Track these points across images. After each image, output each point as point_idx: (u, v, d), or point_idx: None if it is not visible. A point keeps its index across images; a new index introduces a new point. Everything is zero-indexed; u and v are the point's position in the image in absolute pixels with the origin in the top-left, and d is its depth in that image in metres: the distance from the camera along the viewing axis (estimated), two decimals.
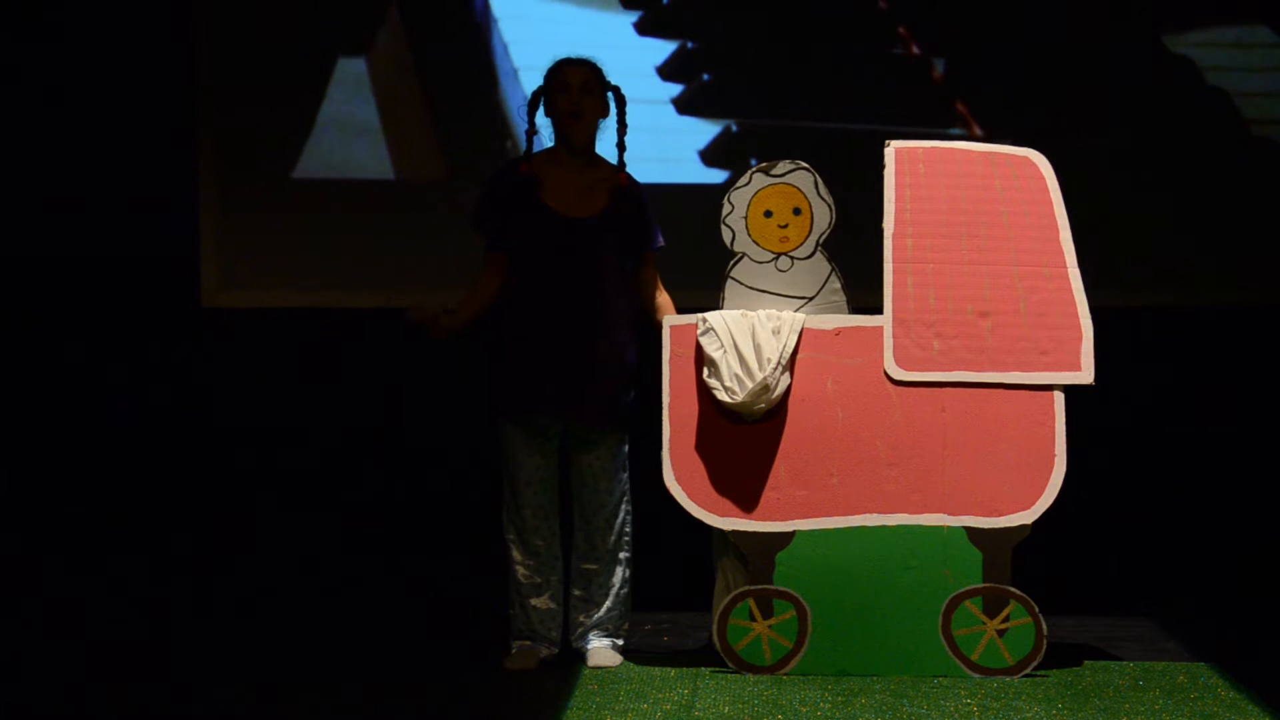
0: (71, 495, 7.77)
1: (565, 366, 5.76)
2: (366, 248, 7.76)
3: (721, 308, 5.83)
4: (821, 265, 5.84)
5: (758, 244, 5.84)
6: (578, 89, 5.76)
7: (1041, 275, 5.76)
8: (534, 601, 5.83)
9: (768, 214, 5.84)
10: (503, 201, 5.80)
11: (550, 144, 5.85)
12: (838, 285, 5.84)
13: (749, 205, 5.84)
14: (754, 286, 5.83)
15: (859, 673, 5.70)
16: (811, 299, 5.83)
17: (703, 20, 7.79)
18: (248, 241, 7.77)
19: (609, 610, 5.87)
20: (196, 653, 6.17)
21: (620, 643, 5.90)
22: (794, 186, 5.83)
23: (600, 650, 5.84)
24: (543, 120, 5.81)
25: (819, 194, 5.83)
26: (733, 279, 5.84)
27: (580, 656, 5.86)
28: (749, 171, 5.86)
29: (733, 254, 5.85)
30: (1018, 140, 5.94)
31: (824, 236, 5.83)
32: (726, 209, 5.84)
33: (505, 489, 5.84)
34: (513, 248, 5.79)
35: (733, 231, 5.84)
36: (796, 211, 5.84)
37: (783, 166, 5.85)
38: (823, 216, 5.83)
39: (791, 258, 5.84)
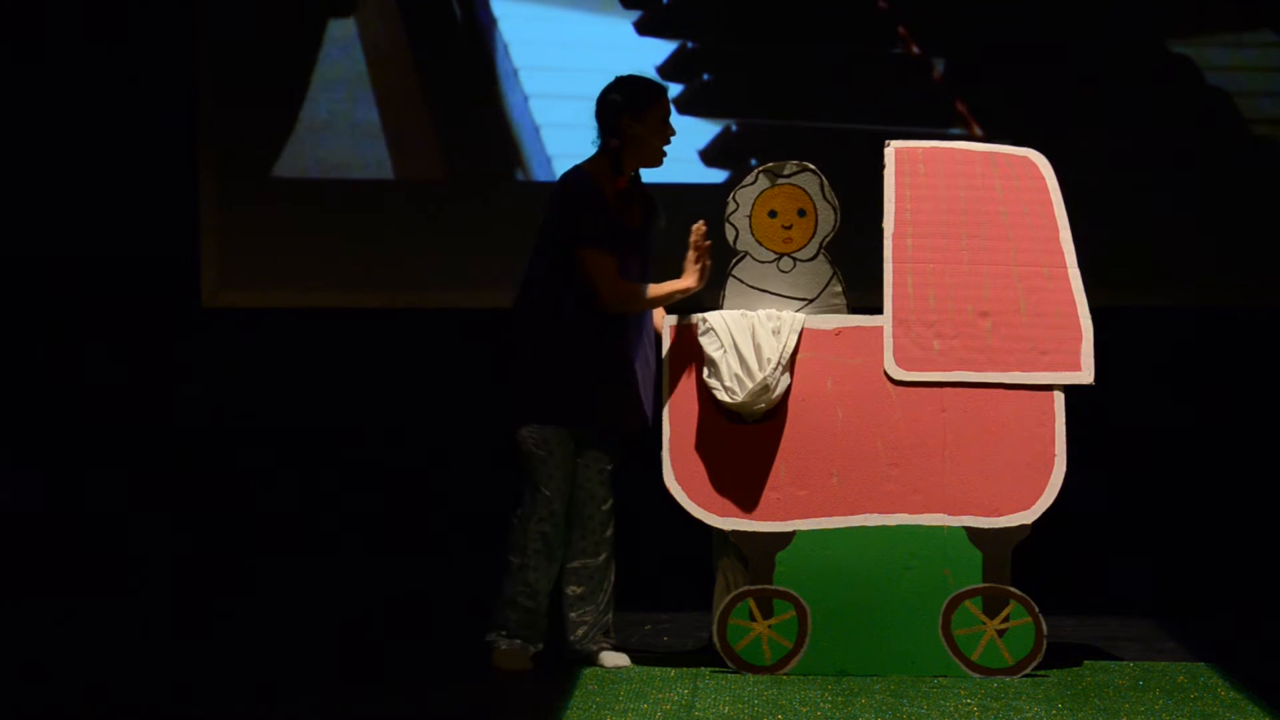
0: (71, 495, 7.76)
1: (629, 373, 5.75)
2: (366, 248, 7.76)
3: (721, 306, 5.83)
4: (824, 268, 5.84)
5: (761, 244, 5.84)
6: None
7: (1041, 275, 5.76)
8: (541, 605, 5.82)
9: (772, 214, 5.84)
10: (603, 211, 5.76)
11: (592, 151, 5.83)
12: (839, 289, 5.83)
13: (753, 205, 5.84)
14: (755, 286, 5.83)
15: (859, 673, 5.70)
16: (812, 301, 5.83)
17: (703, 20, 7.78)
18: (248, 241, 7.77)
19: (606, 607, 5.87)
20: (196, 653, 6.17)
21: (614, 641, 5.90)
22: (800, 188, 5.83)
23: (613, 655, 5.85)
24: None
25: (824, 196, 5.83)
26: (734, 277, 5.84)
27: (582, 656, 5.85)
28: (755, 171, 5.86)
29: (735, 252, 5.85)
30: (1018, 140, 5.94)
31: (828, 239, 5.83)
32: (731, 207, 5.84)
33: (534, 498, 5.76)
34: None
35: (736, 230, 5.84)
36: (801, 213, 5.84)
37: (789, 167, 5.85)
38: (827, 219, 5.83)
39: (794, 259, 5.84)
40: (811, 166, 5.83)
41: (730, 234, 5.84)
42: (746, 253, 5.84)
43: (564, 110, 7.71)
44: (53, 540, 7.71)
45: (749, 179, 5.85)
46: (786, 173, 5.85)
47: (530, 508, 5.78)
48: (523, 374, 5.78)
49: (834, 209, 5.82)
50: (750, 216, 5.84)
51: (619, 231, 5.76)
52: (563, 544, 5.82)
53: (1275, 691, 5.43)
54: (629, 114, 5.73)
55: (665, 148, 5.79)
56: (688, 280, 5.75)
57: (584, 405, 5.75)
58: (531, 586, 5.79)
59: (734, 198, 5.86)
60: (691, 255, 5.74)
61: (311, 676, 5.79)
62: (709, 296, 5.81)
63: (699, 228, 5.74)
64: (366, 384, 7.76)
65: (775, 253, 5.85)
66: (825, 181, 5.82)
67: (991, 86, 7.68)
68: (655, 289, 5.74)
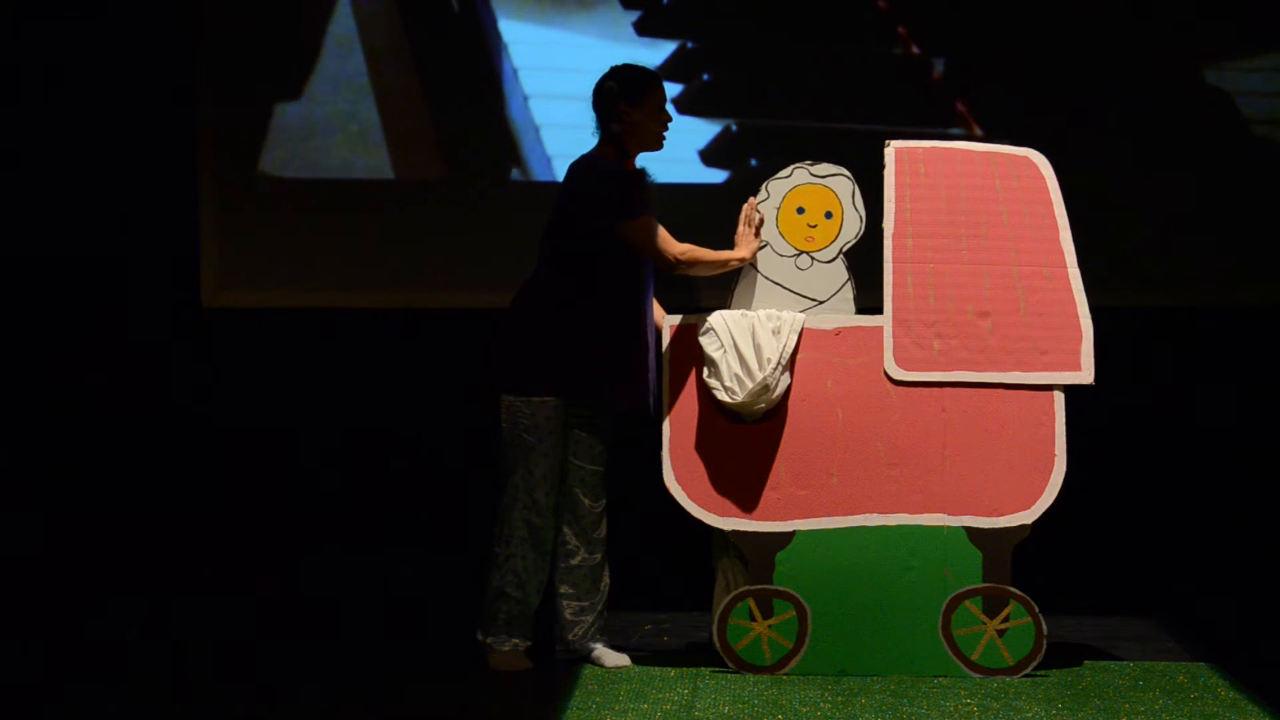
0: (70, 495, 7.76)
1: (645, 356, 5.77)
2: (366, 248, 7.75)
3: (734, 288, 5.84)
4: (840, 272, 5.85)
5: (783, 236, 5.87)
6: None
7: (1041, 275, 5.76)
8: (530, 597, 5.82)
9: (800, 210, 5.87)
10: (634, 184, 5.82)
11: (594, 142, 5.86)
12: (850, 295, 5.85)
13: (784, 198, 5.87)
14: (769, 277, 5.86)
15: (859, 673, 5.70)
16: (821, 303, 5.84)
17: (703, 20, 7.78)
18: (248, 241, 7.76)
19: (603, 607, 5.88)
20: (193, 652, 6.17)
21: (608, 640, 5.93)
22: (831, 190, 5.86)
23: (612, 654, 5.85)
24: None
25: (853, 203, 5.86)
26: (750, 264, 5.86)
27: (580, 656, 5.86)
28: (792, 165, 5.88)
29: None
30: (1018, 140, 5.94)
31: (849, 245, 5.85)
32: (762, 195, 5.88)
33: (519, 485, 5.78)
34: (620, 242, 5.76)
35: (762, 217, 5.86)
36: (829, 215, 5.86)
37: (825, 168, 5.87)
38: (852, 225, 5.85)
39: (813, 258, 5.86)
40: (847, 172, 5.86)
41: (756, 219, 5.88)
42: (768, 243, 5.87)
43: (564, 110, 7.71)
44: (52, 541, 7.70)
45: (785, 171, 5.89)
46: (822, 173, 5.88)
47: (514, 495, 5.78)
48: (522, 347, 5.77)
49: (860, 218, 5.84)
50: (779, 208, 5.87)
51: None
52: (551, 537, 5.83)
53: (1275, 691, 5.44)
54: (626, 101, 5.78)
55: (663, 134, 5.82)
56: (741, 250, 5.83)
57: (584, 378, 5.74)
58: (519, 576, 5.78)
59: (766, 187, 5.89)
60: (743, 228, 5.83)
61: (310, 676, 5.79)
62: (707, 297, 5.80)
63: (752, 202, 5.84)
64: (366, 384, 7.76)
65: (796, 249, 5.87)
66: (858, 189, 5.85)
67: (991, 86, 7.68)
68: (713, 252, 5.79)
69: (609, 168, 5.79)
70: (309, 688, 5.62)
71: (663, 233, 5.75)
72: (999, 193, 5.80)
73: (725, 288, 5.90)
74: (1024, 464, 5.71)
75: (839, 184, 5.87)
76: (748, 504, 5.76)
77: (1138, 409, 7.54)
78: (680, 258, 5.75)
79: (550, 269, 5.80)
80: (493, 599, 5.82)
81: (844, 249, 5.86)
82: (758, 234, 5.84)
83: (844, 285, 5.85)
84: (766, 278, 5.86)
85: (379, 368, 7.76)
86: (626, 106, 5.78)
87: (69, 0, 7.76)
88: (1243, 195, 7.67)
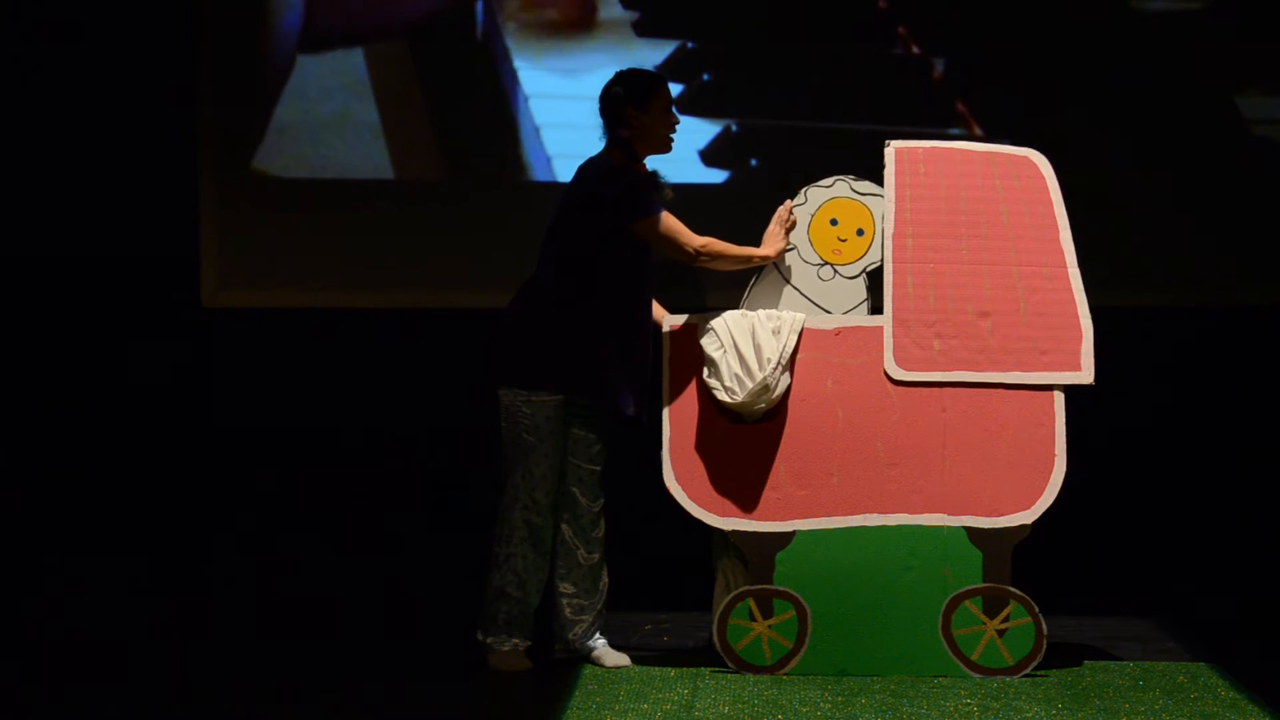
0: (70, 495, 7.76)
1: (645, 358, 5.78)
2: (366, 248, 7.75)
3: (752, 286, 5.85)
4: (859, 290, 5.86)
5: (812, 244, 5.87)
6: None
7: (1041, 275, 5.76)
8: (530, 597, 5.83)
9: (833, 222, 5.88)
10: (649, 183, 5.85)
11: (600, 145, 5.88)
12: (864, 314, 5.85)
13: (820, 206, 5.88)
14: (789, 280, 5.86)
15: (859, 673, 5.70)
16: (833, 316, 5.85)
17: (703, 20, 7.78)
18: (248, 241, 7.76)
19: (602, 606, 5.89)
20: (194, 653, 6.17)
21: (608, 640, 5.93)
22: (868, 209, 5.87)
23: (612, 653, 5.86)
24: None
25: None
26: (774, 264, 5.87)
27: (580, 655, 5.86)
28: (835, 176, 5.90)
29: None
30: (1018, 140, 5.94)
31: (873, 266, 5.86)
32: (799, 199, 5.89)
33: (519, 484, 5.79)
34: (630, 242, 5.78)
35: (794, 220, 5.88)
36: (860, 232, 5.87)
37: (866, 186, 5.90)
38: (880, 248, 5.86)
39: (836, 270, 5.86)
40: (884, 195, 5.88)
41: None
42: (795, 246, 5.88)
43: (564, 110, 7.71)
44: (50, 541, 7.70)
45: (826, 181, 5.91)
46: (862, 190, 5.89)
47: (514, 495, 5.79)
48: (523, 343, 5.78)
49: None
50: (813, 216, 5.88)
51: None
52: (551, 536, 5.83)
53: (1275, 691, 5.44)
54: (632, 105, 5.79)
55: (671, 135, 5.84)
56: (766, 248, 5.86)
57: (586, 375, 5.74)
58: (520, 576, 5.79)
59: (805, 192, 5.92)
60: (774, 226, 5.86)
61: (310, 676, 5.79)
62: (708, 298, 5.81)
63: (788, 204, 5.87)
64: (366, 384, 7.76)
65: (821, 259, 5.88)
66: None
67: (991, 86, 7.68)
68: (736, 247, 5.82)
69: (621, 169, 5.80)
70: (309, 688, 5.61)
71: (681, 227, 5.77)
72: (999, 193, 5.80)
73: (742, 285, 5.91)
74: (1024, 464, 5.71)
75: (876, 204, 5.88)
76: (748, 504, 5.76)
77: (1138, 409, 7.54)
78: (701, 250, 5.76)
79: (551, 269, 5.80)
80: (493, 599, 5.82)
81: (868, 269, 5.87)
82: (787, 236, 5.85)
83: (860, 304, 5.86)
84: (786, 281, 5.87)
85: (379, 368, 7.76)
86: (634, 111, 5.79)
87: (69, 0, 7.76)
88: (1243, 195, 7.67)
